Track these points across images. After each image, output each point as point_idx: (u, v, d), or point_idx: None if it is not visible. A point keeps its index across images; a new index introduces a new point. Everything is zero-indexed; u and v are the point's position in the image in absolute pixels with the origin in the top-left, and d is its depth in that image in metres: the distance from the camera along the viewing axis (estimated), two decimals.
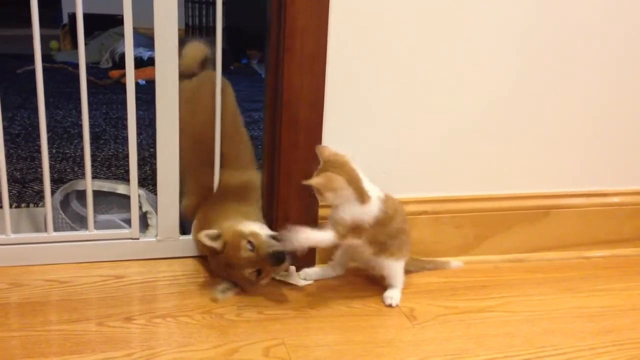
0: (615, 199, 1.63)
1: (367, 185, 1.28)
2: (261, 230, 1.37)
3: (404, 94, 1.45)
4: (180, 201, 1.52)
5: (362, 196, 1.26)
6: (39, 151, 2.15)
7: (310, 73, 1.37)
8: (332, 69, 1.38)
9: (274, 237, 1.34)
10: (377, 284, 1.41)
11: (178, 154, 1.45)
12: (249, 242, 1.33)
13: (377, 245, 1.32)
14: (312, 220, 1.46)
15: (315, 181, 1.24)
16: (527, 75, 1.50)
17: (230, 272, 1.35)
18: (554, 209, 1.60)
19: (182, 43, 1.43)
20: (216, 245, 1.34)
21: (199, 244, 1.43)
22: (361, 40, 1.39)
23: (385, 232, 1.31)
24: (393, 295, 1.36)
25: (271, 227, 1.48)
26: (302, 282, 1.42)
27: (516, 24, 1.45)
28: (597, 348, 1.24)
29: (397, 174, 1.50)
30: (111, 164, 2.15)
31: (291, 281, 1.42)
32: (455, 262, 1.54)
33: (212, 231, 1.36)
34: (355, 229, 1.27)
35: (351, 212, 1.26)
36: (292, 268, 1.44)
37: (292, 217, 1.44)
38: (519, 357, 1.19)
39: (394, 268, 1.36)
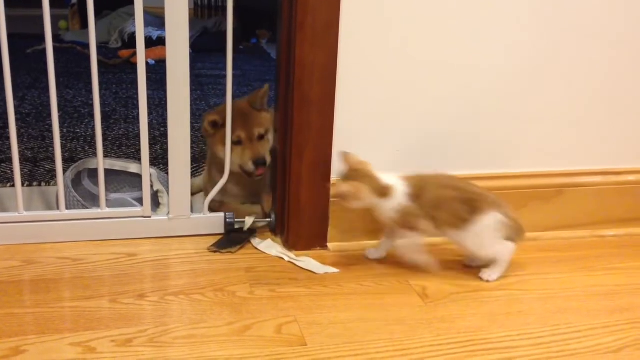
0: (631, 177, 1.62)
1: (386, 178, 1.33)
2: None
3: (418, 71, 1.43)
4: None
5: (385, 193, 1.32)
6: (49, 130, 2.16)
7: (322, 49, 1.35)
8: (345, 45, 1.37)
9: None
10: (388, 262, 1.41)
11: (189, 133, 1.44)
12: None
13: (432, 219, 1.33)
14: (323, 199, 1.45)
15: (345, 189, 1.31)
16: (542, 52, 1.48)
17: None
18: (568, 187, 1.58)
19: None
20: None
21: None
22: (374, 15, 1.37)
23: (427, 204, 1.32)
24: (488, 272, 1.38)
25: (283, 205, 1.48)
26: (322, 270, 1.40)
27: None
28: (611, 326, 1.23)
29: (410, 152, 1.48)
30: (122, 144, 2.15)
31: (309, 268, 1.40)
32: None
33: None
34: (407, 211, 1.32)
35: (389, 207, 1.32)
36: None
37: (303, 195, 1.44)
38: (532, 335, 1.19)
39: (461, 238, 1.35)
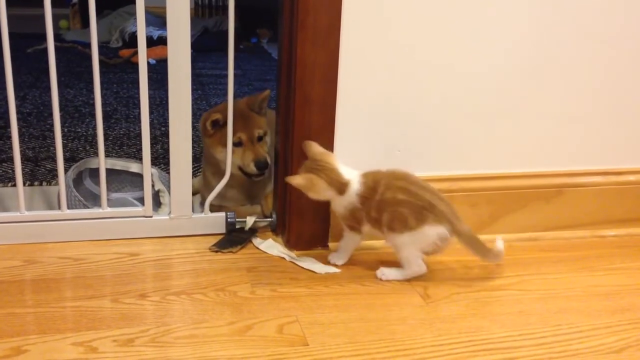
0: (631, 178, 1.62)
1: (346, 172, 1.34)
2: None
3: (418, 71, 1.43)
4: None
5: (341, 189, 1.33)
6: (50, 130, 2.16)
7: (324, 49, 1.35)
8: (346, 45, 1.37)
9: None
10: (389, 263, 1.41)
11: (190, 132, 1.44)
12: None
13: (375, 222, 1.33)
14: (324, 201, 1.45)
15: (297, 182, 1.32)
16: (543, 52, 1.48)
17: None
18: (569, 187, 1.58)
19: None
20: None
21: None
22: (374, 15, 1.37)
23: (373, 206, 1.32)
24: (385, 272, 1.36)
25: (285, 205, 1.48)
26: (323, 270, 1.39)
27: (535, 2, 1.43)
28: (612, 326, 1.23)
29: (411, 152, 1.49)
30: (123, 143, 2.15)
31: (311, 268, 1.40)
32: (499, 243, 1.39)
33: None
34: (354, 213, 1.34)
35: (341, 203, 1.35)
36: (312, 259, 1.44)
37: (305, 195, 1.44)
38: (534, 334, 1.19)
39: (394, 242, 1.33)
